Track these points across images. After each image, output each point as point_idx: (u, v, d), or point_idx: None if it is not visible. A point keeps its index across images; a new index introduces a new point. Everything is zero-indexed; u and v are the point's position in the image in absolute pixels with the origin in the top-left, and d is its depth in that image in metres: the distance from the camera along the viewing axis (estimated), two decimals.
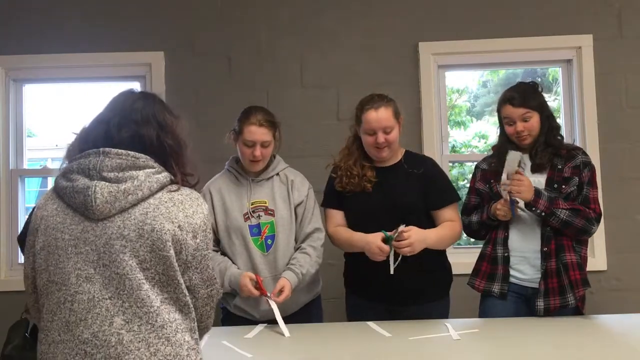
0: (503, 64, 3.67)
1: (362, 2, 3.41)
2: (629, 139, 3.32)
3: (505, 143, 2.42)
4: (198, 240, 1.43)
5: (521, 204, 2.29)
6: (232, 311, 2.41)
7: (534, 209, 2.25)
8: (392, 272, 2.19)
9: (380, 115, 2.31)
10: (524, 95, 2.35)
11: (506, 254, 2.35)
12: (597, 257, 3.26)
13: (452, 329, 2.11)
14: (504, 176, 2.29)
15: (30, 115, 3.71)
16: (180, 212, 1.41)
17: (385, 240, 2.20)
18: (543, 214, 2.24)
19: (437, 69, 3.42)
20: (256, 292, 2.22)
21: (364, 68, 3.38)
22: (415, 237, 2.17)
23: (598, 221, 2.31)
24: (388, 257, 2.21)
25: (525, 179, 2.26)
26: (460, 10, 3.39)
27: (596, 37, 3.34)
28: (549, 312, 2.27)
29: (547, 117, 2.38)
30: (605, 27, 3.36)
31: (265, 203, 2.40)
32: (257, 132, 2.34)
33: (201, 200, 1.48)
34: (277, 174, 2.47)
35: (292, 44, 3.40)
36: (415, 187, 2.36)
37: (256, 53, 3.40)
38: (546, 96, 2.50)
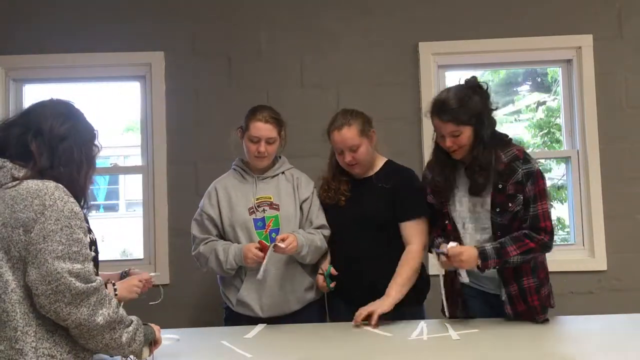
0: (503, 64, 3.66)
1: (362, 2, 3.41)
2: (629, 139, 3.33)
3: (440, 154, 2.23)
4: (32, 235, 1.36)
5: (464, 276, 2.17)
6: (235, 309, 2.42)
7: (486, 270, 2.12)
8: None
9: (343, 136, 2.34)
10: (454, 107, 2.09)
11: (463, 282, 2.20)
12: (597, 257, 3.25)
13: (452, 329, 2.12)
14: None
15: None
16: (7, 208, 1.38)
17: (326, 274, 2.37)
18: (497, 267, 2.14)
19: (437, 69, 3.42)
20: (261, 254, 2.26)
21: (364, 68, 3.38)
22: (380, 310, 2.16)
23: (552, 239, 2.13)
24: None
25: (462, 252, 2.08)
26: (460, 10, 3.39)
27: (596, 37, 3.34)
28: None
29: (480, 129, 2.10)
30: (605, 27, 3.36)
31: (270, 198, 2.44)
32: (263, 128, 2.39)
33: (45, 192, 1.39)
34: (283, 173, 2.52)
35: (292, 44, 3.40)
36: (384, 201, 2.37)
37: (256, 53, 3.40)
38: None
